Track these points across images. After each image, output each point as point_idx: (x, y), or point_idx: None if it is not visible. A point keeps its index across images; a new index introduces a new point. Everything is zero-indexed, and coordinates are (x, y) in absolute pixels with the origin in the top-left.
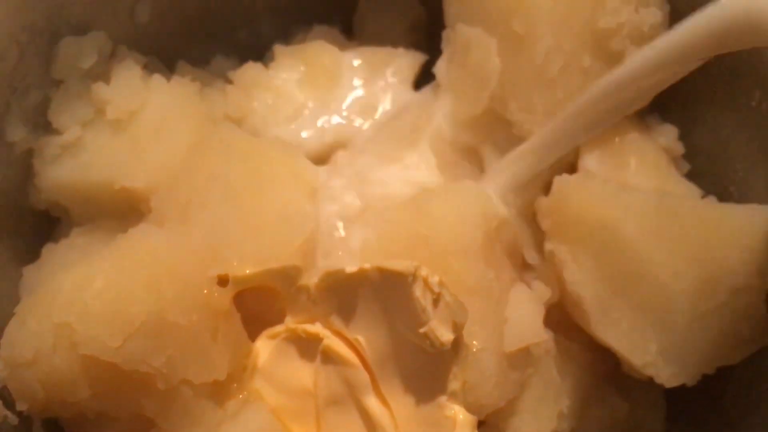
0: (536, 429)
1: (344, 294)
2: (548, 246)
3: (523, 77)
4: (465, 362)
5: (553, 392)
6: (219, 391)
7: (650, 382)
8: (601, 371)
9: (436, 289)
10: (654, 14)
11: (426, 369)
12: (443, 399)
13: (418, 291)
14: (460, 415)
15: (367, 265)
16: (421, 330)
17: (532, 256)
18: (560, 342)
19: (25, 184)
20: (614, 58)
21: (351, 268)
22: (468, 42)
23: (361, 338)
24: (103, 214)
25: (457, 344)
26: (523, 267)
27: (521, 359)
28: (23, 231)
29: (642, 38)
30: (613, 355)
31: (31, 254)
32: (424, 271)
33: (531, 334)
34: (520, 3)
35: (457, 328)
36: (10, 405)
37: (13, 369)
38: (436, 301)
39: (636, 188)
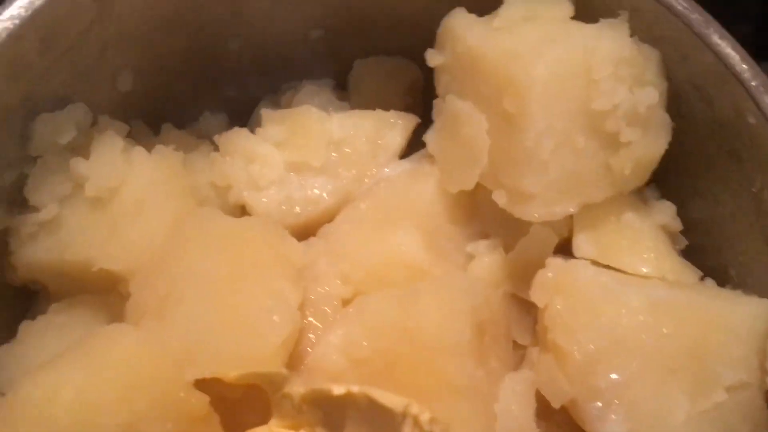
0: None
1: (331, 410)
2: (548, 336)
3: (514, 157)
4: None
5: None
6: None
7: None
8: None
9: (427, 428)
10: (650, 94)
11: None
12: None
13: (407, 430)
14: None
15: (355, 389)
16: None
17: (522, 338)
18: (551, 430)
19: (1, 261)
20: (609, 139)
21: (338, 389)
22: (458, 115)
23: None
24: (82, 290)
25: None
26: (512, 350)
27: None
28: None
29: (638, 119)
30: None
31: (7, 331)
32: (414, 409)
33: (523, 430)
34: (510, 81)
35: None
36: None
37: None
38: None
39: (632, 277)
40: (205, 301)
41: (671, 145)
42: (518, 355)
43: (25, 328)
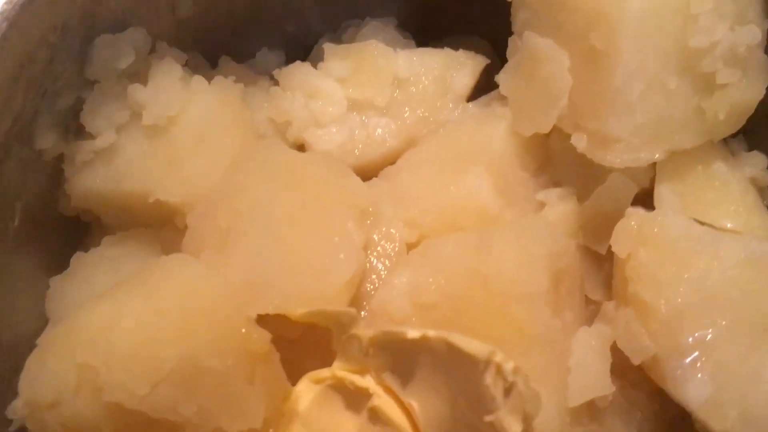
0: None
1: (402, 356)
2: (629, 288)
3: (598, 98)
4: None
5: None
6: None
7: None
8: (669, 419)
9: (510, 378)
10: (752, 33)
11: None
12: None
13: (489, 378)
14: None
15: (431, 333)
16: (487, 418)
17: (594, 292)
18: (625, 389)
19: (54, 189)
20: (704, 81)
21: (413, 332)
22: (537, 53)
23: (415, 404)
24: (136, 222)
25: None
26: (585, 303)
27: (584, 413)
28: (52, 238)
29: (736, 60)
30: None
31: (60, 263)
32: (498, 357)
33: (597, 387)
34: (600, 15)
35: (528, 420)
36: None
37: (33, 410)
38: (508, 390)
39: (725, 232)
40: (268, 236)
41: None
42: (588, 311)
43: (78, 260)
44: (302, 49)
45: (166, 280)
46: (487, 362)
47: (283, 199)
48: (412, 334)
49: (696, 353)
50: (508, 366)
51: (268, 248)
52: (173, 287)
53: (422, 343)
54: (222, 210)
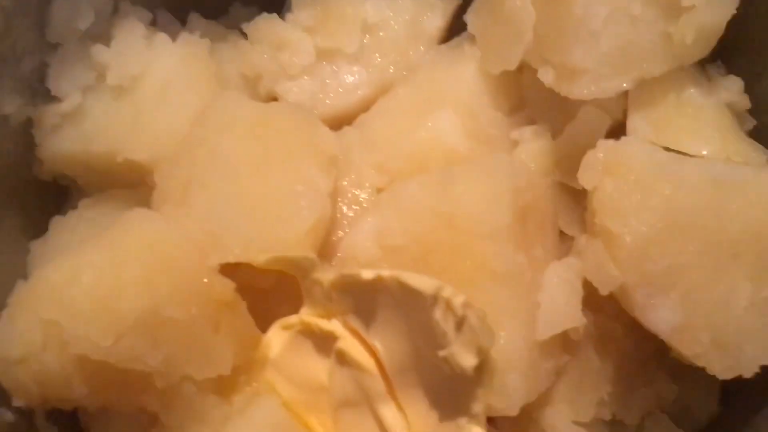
0: (573, 418)
1: (362, 297)
2: (596, 220)
3: (562, 29)
4: (489, 385)
5: (593, 378)
6: (225, 385)
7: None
8: (646, 351)
9: (460, 312)
10: None
11: (447, 387)
12: (463, 420)
13: (438, 313)
14: None
15: (385, 273)
16: (441, 353)
17: (571, 228)
18: (600, 322)
19: (27, 155)
20: (668, 4)
21: (368, 273)
22: None
23: (378, 344)
24: (111, 183)
25: (481, 368)
26: (559, 240)
27: (556, 346)
28: (30, 204)
29: None
30: None
31: (40, 227)
32: (446, 292)
33: (567, 319)
34: None
35: (482, 353)
36: (4, 401)
37: (4, 366)
38: (459, 324)
39: (691, 157)
40: (229, 186)
41: (739, 15)
42: (566, 247)
43: (56, 223)
44: (277, 3)
45: (125, 233)
46: (435, 297)
47: (244, 149)
48: (367, 275)
49: (664, 280)
50: (457, 300)
51: (229, 198)
52: (133, 240)
53: (378, 284)
54: (183, 164)
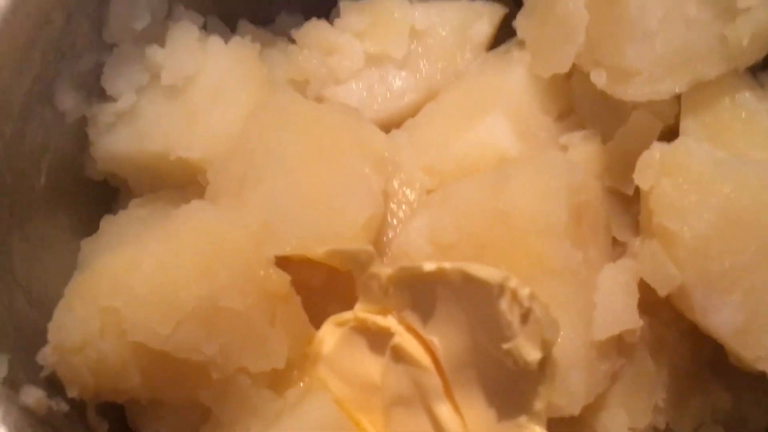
0: (629, 425)
1: (421, 291)
2: (654, 220)
3: (616, 30)
4: (552, 381)
5: (648, 384)
6: (278, 380)
7: (759, 372)
8: (701, 358)
9: (526, 304)
10: None
11: (508, 384)
12: (524, 419)
13: (504, 304)
14: None
15: (447, 265)
16: (505, 346)
17: (622, 233)
18: (655, 327)
19: (80, 154)
20: (725, 6)
21: (429, 265)
22: None
23: (436, 340)
24: (162, 184)
25: (545, 363)
26: (612, 245)
27: (612, 348)
28: (81, 202)
29: None
30: (716, 342)
31: (90, 226)
32: (513, 283)
33: (623, 321)
34: None
35: (546, 347)
36: (60, 392)
37: (61, 355)
38: (524, 316)
39: (748, 158)
40: (284, 180)
41: None
42: (617, 252)
43: (107, 221)
44: (321, 12)
45: (184, 224)
46: (501, 287)
47: (299, 146)
48: (429, 267)
49: (724, 280)
50: (524, 291)
51: (284, 192)
52: (191, 231)
53: (439, 276)
54: (238, 160)
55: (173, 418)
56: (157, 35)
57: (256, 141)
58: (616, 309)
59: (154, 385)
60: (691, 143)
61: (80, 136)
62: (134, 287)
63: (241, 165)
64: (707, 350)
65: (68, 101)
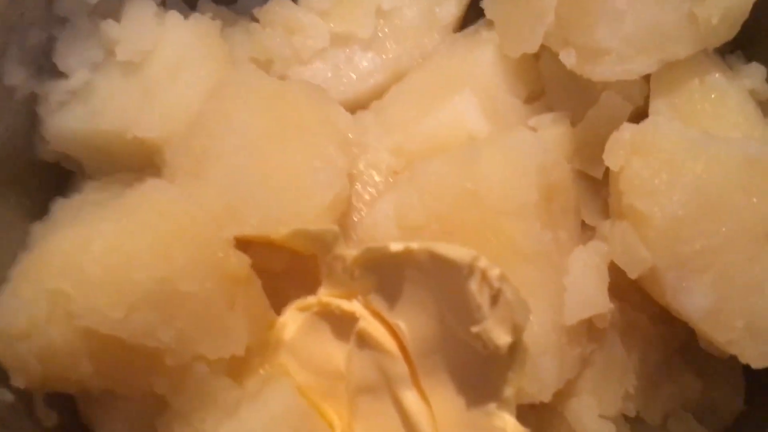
0: (599, 412)
1: (387, 273)
2: (623, 201)
3: (586, 8)
4: (522, 367)
5: (619, 370)
6: (238, 367)
7: (730, 358)
8: (671, 345)
9: (496, 285)
10: None
11: (476, 369)
12: (493, 406)
13: (473, 285)
14: (509, 427)
15: (414, 245)
16: (474, 329)
17: (591, 218)
18: (625, 312)
19: (30, 133)
20: None
21: (396, 246)
22: None
23: (402, 325)
24: (118, 166)
25: (515, 348)
26: (581, 228)
27: (582, 333)
28: (33, 185)
29: None
30: (686, 327)
31: (43, 210)
32: (482, 263)
33: (594, 304)
34: None
35: (517, 331)
36: (3, 381)
37: (5, 341)
38: (494, 298)
39: (721, 138)
40: (245, 158)
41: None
42: (586, 237)
43: (59, 205)
44: None
45: (139, 203)
46: (471, 268)
47: (261, 123)
48: (395, 247)
49: (696, 262)
50: (494, 272)
51: (245, 170)
52: (145, 210)
53: (406, 256)
54: (196, 137)
55: (127, 410)
56: (112, 9)
57: (217, 117)
58: (586, 292)
59: (107, 374)
60: (662, 122)
61: (30, 114)
62: (84, 268)
63: (200, 142)
64: (678, 336)
65: (16, 77)
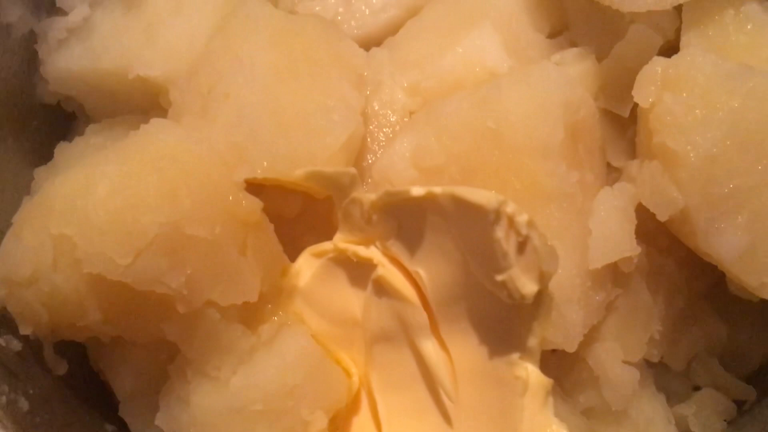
0: (623, 358)
1: (407, 218)
2: (654, 140)
3: None
4: (547, 316)
5: (644, 315)
6: (251, 314)
7: (759, 303)
8: (698, 289)
9: (524, 231)
10: None
11: (499, 319)
12: (515, 356)
13: (500, 232)
14: (532, 377)
15: (437, 189)
16: (499, 278)
17: (617, 159)
18: (651, 256)
19: (30, 74)
20: None
21: (417, 190)
22: None
23: (422, 272)
24: (121, 108)
25: (541, 297)
26: (607, 170)
27: (607, 278)
28: (33, 128)
29: None
30: (714, 271)
31: (45, 155)
32: (510, 208)
33: (620, 248)
34: None
35: (543, 279)
36: (11, 329)
37: (10, 288)
38: (521, 245)
39: (758, 70)
40: (255, 96)
41: None
42: (611, 179)
43: (62, 150)
44: None
45: (143, 144)
46: (498, 213)
47: (270, 59)
48: (417, 191)
49: (730, 202)
50: (522, 218)
51: (255, 109)
52: (151, 151)
53: (428, 201)
54: (203, 74)
55: (138, 357)
56: None
57: (223, 53)
58: (613, 235)
59: (116, 322)
60: (696, 54)
61: (29, 54)
62: (88, 213)
63: (207, 80)
64: (704, 280)
65: (12, 14)
